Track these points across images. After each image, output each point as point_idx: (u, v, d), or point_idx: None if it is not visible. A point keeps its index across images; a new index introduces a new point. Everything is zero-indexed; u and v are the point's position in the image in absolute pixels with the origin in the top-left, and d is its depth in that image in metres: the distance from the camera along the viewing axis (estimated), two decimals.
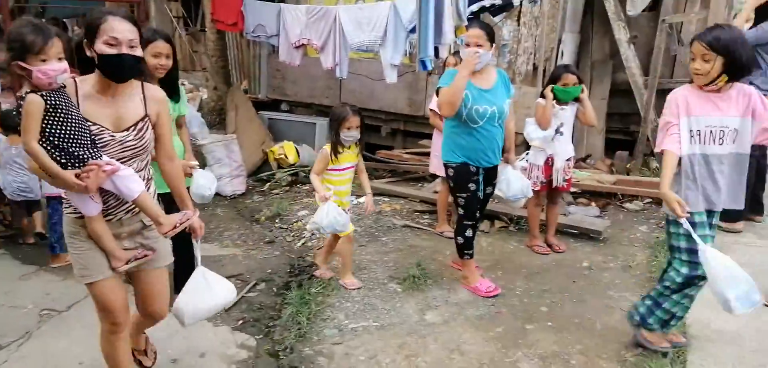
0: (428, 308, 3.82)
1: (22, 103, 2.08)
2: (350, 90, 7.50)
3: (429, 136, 7.46)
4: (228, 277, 4.27)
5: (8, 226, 4.95)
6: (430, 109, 5.10)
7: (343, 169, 3.99)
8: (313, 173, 4.02)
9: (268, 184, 6.83)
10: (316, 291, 4.04)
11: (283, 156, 7.04)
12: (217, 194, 6.28)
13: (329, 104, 7.80)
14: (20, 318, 3.69)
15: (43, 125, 2.09)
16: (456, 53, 4.94)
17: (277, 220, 5.72)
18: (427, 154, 6.98)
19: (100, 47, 2.16)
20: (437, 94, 4.01)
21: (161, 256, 2.58)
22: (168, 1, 6.96)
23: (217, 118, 9.00)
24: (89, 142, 2.19)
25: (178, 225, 2.40)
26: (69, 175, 2.13)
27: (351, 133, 3.88)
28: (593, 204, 5.80)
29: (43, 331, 3.57)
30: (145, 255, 2.49)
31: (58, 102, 2.12)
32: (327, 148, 3.97)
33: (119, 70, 2.23)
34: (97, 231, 2.33)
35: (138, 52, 2.25)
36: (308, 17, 6.27)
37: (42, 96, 2.08)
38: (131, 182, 2.29)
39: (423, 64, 3.72)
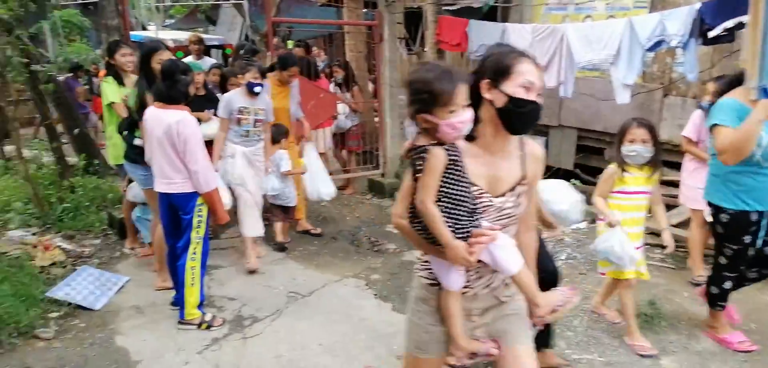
0: (664, 353, 3.47)
1: (423, 156, 1.80)
2: (572, 109, 7.22)
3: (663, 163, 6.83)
4: None
5: (266, 221, 5.60)
6: (684, 136, 4.48)
7: (630, 193, 3.40)
8: (596, 195, 3.53)
9: None
10: None
11: None
12: None
13: (547, 123, 7.62)
14: (272, 297, 4.24)
15: (439, 184, 1.82)
16: (718, 78, 4.31)
17: None
18: (663, 183, 6.39)
19: (515, 90, 1.84)
20: (712, 131, 3.23)
21: (521, 333, 2.06)
22: (398, 23, 7.42)
23: None
24: (472, 208, 1.87)
25: (557, 308, 2.02)
26: (460, 248, 1.81)
27: (634, 147, 3.29)
28: None
29: (290, 311, 4.06)
30: (490, 355, 2.02)
31: (457, 158, 1.84)
32: (612, 165, 3.46)
33: (526, 119, 1.89)
34: (451, 310, 1.97)
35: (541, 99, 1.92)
36: (533, 36, 6.18)
37: (446, 150, 1.80)
38: (511, 254, 1.93)
39: (765, 91, 3.09)
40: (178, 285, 3.76)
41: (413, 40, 12.81)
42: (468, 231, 1.84)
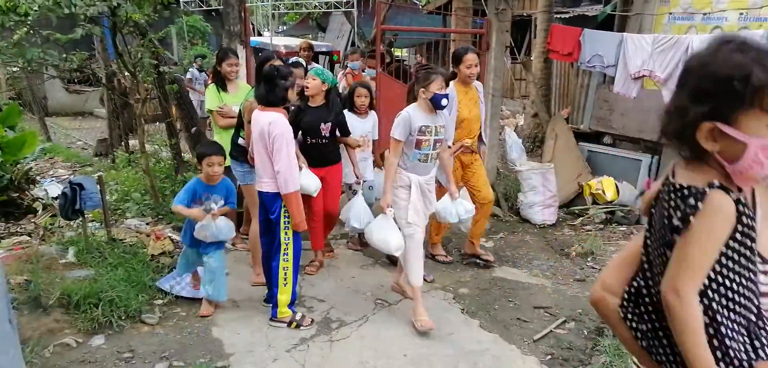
0: None
1: (693, 204, 1.06)
2: None
3: None
4: (535, 308, 4.26)
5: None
6: None
7: None
8: None
9: (581, 218, 6.52)
10: None
11: (600, 191, 6.62)
12: (525, 221, 6.32)
13: (661, 141, 7.08)
14: (360, 302, 4.27)
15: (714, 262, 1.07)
16: None
17: (589, 258, 5.40)
18: None
19: None
20: None
21: None
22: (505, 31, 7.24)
23: (532, 145, 9.06)
24: (755, 316, 1.10)
25: None
26: None
27: None
28: None
29: (376, 318, 4.06)
30: None
31: (749, 218, 1.06)
32: None
33: None
34: None
35: None
36: (654, 47, 5.78)
37: (738, 203, 1.05)
38: None
39: None
40: (271, 283, 3.89)
41: (518, 49, 12.50)
42: (748, 362, 1.05)
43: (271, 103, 3.66)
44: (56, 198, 5.49)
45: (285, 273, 3.79)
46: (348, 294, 4.42)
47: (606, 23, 8.59)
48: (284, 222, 3.73)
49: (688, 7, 6.71)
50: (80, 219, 4.59)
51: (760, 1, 6.04)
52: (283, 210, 3.71)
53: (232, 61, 4.95)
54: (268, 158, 3.64)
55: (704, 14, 6.55)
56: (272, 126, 3.57)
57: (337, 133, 4.56)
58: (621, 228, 6.24)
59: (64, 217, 4.62)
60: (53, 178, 6.93)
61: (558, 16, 10.16)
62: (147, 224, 5.40)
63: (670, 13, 6.90)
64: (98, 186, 4.60)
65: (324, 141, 4.48)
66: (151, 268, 4.40)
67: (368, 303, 4.27)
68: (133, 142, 7.91)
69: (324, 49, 11.93)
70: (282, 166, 3.58)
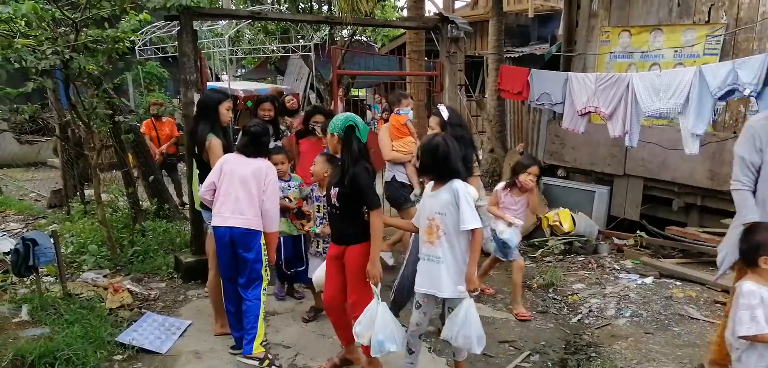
0: None
1: None
2: (637, 158, 6.97)
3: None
4: (500, 343, 4.34)
5: None
6: None
7: None
8: None
9: (541, 250, 6.69)
10: None
11: (557, 223, 6.83)
12: (488, 255, 6.43)
13: (611, 172, 7.38)
14: (326, 347, 4.24)
15: None
16: None
17: (550, 290, 5.54)
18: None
19: None
20: None
21: None
22: (458, 71, 7.48)
23: (489, 180, 9.28)
24: None
25: None
26: None
27: None
28: None
29: None
30: None
31: None
32: None
33: None
34: None
35: None
36: (597, 85, 6.08)
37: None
38: None
39: None
40: (250, 319, 3.84)
41: (473, 87, 12.87)
42: None
43: (260, 155, 3.99)
44: (8, 254, 5.31)
45: (263, 307, 3.90)
46: (313, 338, 4.39)
47: (553, 62, 8.98)
48: (264, 257, 3.91)
49: (627, 46, 7.10)
50: (34, 275, 4.45)
51: (692, 39, 6.45)
52: (262, 247, 3.88)
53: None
54: (257, 197, 3.83)
55: (642, 53, 6.94)
56: (270, 170, 3.95)
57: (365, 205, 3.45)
58: (579, 258, 6.41)
59: (17, 274, 4.49)
60: (5, 233, 6.69)
61: (508, 55, 10.53)
62: (104, 276, 5.27)
63: (611, 52, 7.28)
64: (52, 240, 4.49)
65: (335, 211, 3.52)
66: (109, 323, 4.29)
67: (335, 346, 4.22)
68: (88, 192, 7.73)
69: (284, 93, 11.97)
70: (276, 208, 3.96)
